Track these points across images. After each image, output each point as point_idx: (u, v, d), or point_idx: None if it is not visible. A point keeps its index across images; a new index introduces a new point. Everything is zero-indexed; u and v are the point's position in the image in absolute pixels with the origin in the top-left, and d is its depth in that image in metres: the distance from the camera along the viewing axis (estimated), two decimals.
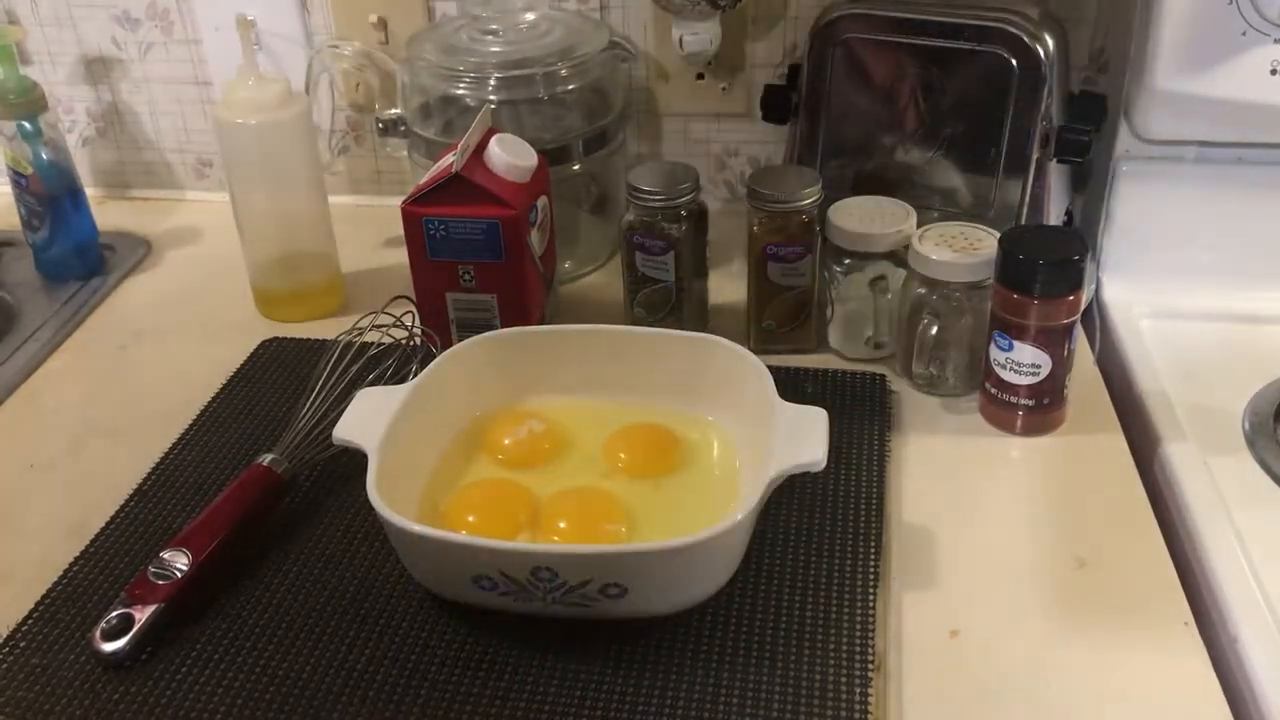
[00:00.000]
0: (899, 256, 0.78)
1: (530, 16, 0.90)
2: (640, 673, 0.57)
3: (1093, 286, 0.88)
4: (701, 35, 0.87)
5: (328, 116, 0.98)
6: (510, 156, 0.77)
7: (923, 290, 0.76)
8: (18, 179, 0.94)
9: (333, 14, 1.00)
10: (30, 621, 0.62)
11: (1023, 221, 0.84)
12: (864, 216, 0.79)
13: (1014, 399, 0.73)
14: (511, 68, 0.86)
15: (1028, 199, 0.83)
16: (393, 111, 0.91)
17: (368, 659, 0.59)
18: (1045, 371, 0.72)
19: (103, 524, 0.68)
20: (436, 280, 0.79)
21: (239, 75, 0.83)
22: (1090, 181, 0.93)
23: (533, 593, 0.56)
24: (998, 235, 0.72)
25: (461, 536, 0.59)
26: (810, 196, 0.78)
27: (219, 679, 0.58)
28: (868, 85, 0.85)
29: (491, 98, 0.86)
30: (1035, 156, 0.82)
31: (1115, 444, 0.73)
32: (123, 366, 0.87)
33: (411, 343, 0.79)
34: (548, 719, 0.55)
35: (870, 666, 0.57)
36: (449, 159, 0.77)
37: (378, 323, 0.78)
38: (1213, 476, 0.69)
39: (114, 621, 0.60)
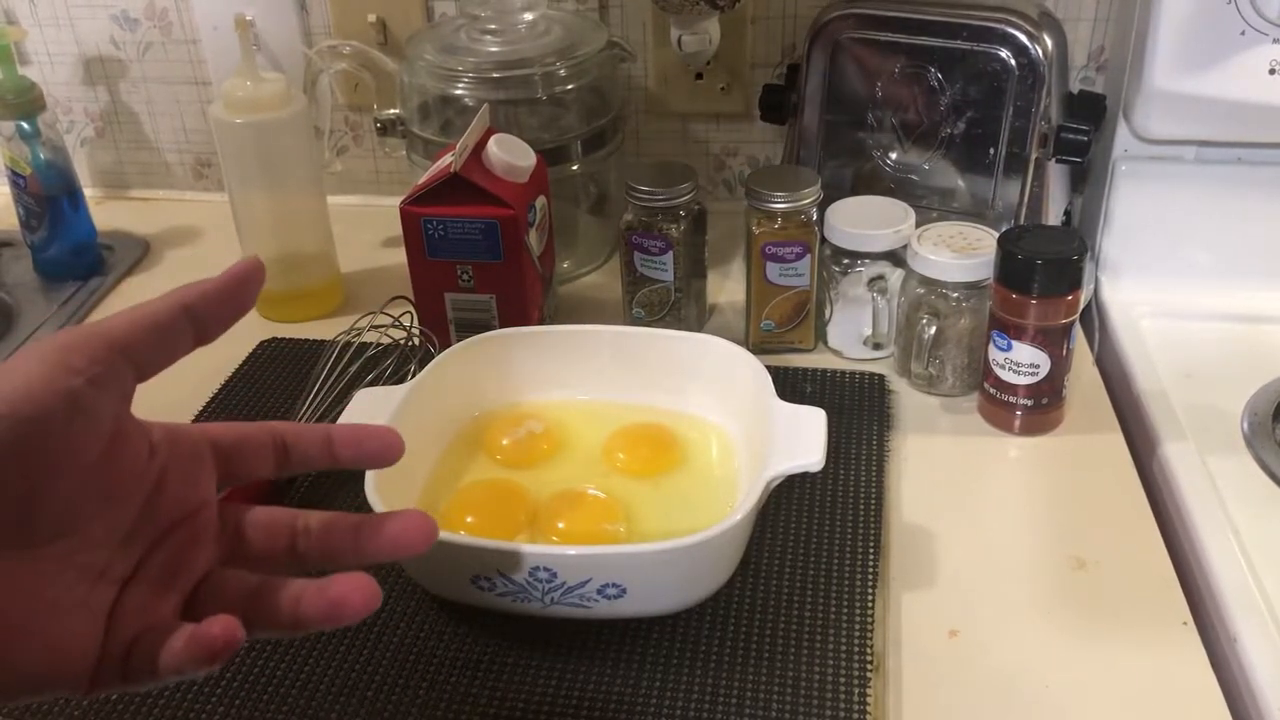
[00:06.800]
0: (898, 256, 0.78)
1: (529, 16, 0.90)
2: (639, 673, 0.57)
3: (1091, 286, 0.88)
4: (700, 35, 0.87)
5: (326, 116, 0.98)
6: (509, 156, 0.77)
7: (921, 290, 0.76)
8: (16, 179, 0.94)
9: (331, 14, 1.00)
10: None
11: (1021, 221, 0.84)
12: (863, 216, 0.79)
13: (1013, 399, 0.73)
14: (510, 68, 0.86)
15: (1026, 199, 0.83)
16: (391, 111, 0.91)
17: (366, 659, 0.59)
18: (1044, 371, 0.72)
19: None
20: (435, 280, 0.79)
21: (237, 75, 0.83)
22: (1089, 181, 0.93)
23: (531, 593, 0.56)
24: (996, 235, 0.72)
25: (460, 537, 0.59)
26: (809, 196, 0.78)
27: (217, 679, 0.58)
28: (866, 85, 0.85)
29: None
30: (1034, 156, 0.82)
31: (1114, 444, 0.73)
32: None
33: (410, 343, 0.79)
34: (547, 719, 0.55)
35: (869, 666, 0.57)
36: (447, 159, 0.77)
37: (376, 323, 0.78)
38: (1211, 476, 0.69)
39: None
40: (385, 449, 0.45)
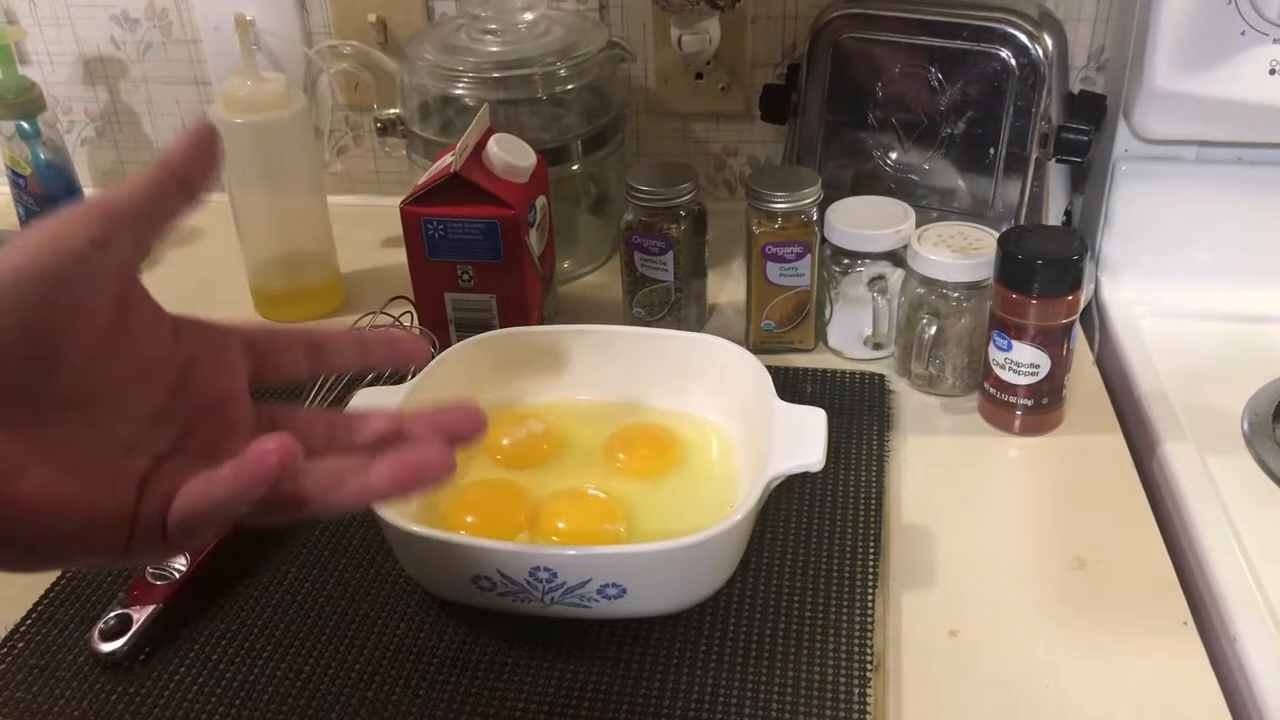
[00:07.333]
0: (898, 256, 0.78)
1: (529, 16, 0.90)
2: (639, 673, 0.57)
3: (1092, 286, 0.88)
4: (700, 35, 0.87)
5: (326, 116, 0.98)
6: (509, 156, 0.77)
7: (921, 290, 0.76)
8: (16, 179, 0.94)
9: (331, 13, 1.00)
10: (29, 622, 0.62)
11: (1022, 221, 0.84)
12: (863, 216, 0.79)
13: (1013, 399, 0.73)
14: (510, 67, 0.86)
15: (1027, 199, 0.83)
16: (391, 111, 0.91)
17: (366, 659, 0.59)
18: (1044, 371, 0.72)
19: None
20: (435, 280, 0.79)
21: (237, 75, 0.83)
22: (1089, 181, 0.93)
23: (531, 593, 0.56)
24: (996, 235, 0.72)
25: (460, 537, 0.59)
26: (809, 196, 0.78)
27: (217, 679, 0.58)
28: (867, 85, 0.85)
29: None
30: (1034, 156, 0.82)
31: (1114, 444, 0.73)
32: None
33: None
34: (547, 719, 0.55)
35: (869, 666, 0.57)
36: (447, 159, 0.77)
37: (376, 323, 0.78)
38: (1211, 476, 0.69)
39: (112, 622, 0.60)
40: (413, 350, 0.49)
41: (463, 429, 0.45)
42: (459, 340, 0.72)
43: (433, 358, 0.69)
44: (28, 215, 0.96)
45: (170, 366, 0.42)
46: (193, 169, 0.43)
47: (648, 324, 0.84)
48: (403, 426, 0.45)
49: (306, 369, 0.47)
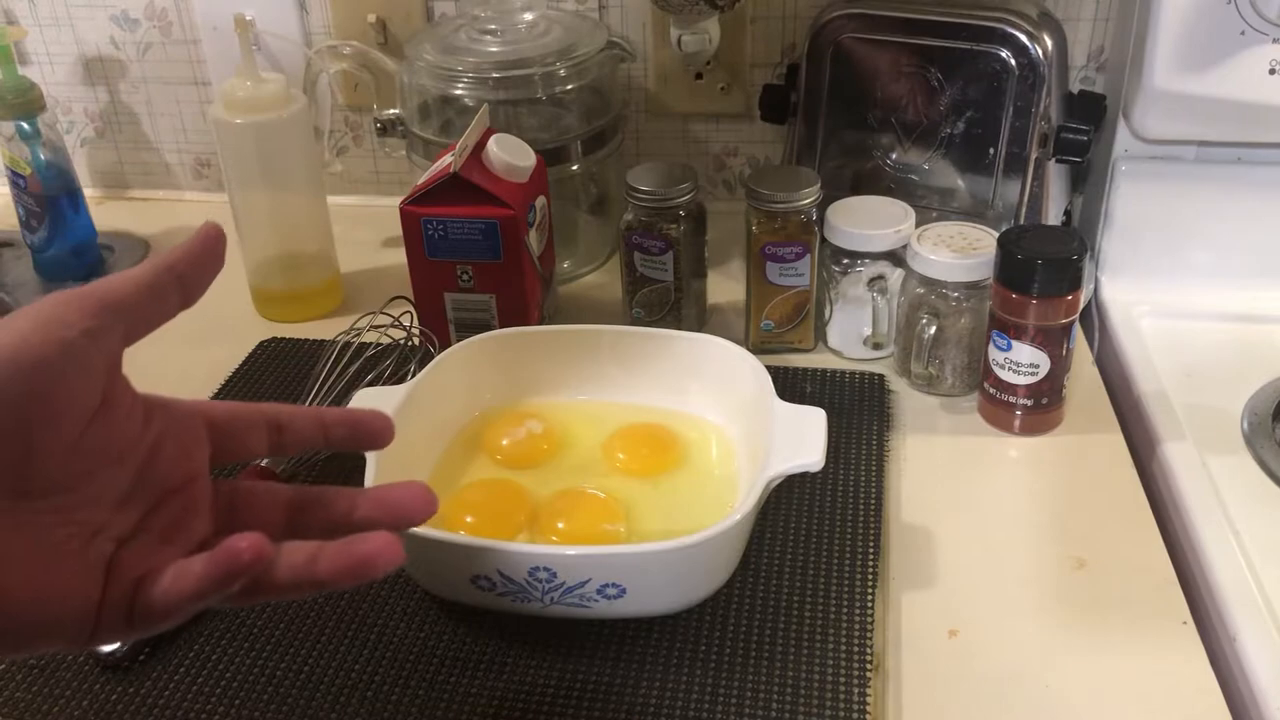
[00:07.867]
0: (897, 256, 0.78)
1: (529, 16, 0.90)
2: (639, 673, 0.57)
3: (1091, 286, 0.88)
4: (700, 35, 0.87)
5: (326, 116, 0.98)
6: (508, 156, 0.77)
7: (921, 290, 0.76)
8: (16, 179, 0.94)
9: (331, 14, 1.00)
10: None
11: (1021, 221, 0.84)
12: (863, 216, 0.79)
13: (1012, 399, 0.73)
14: (510, 68, 0.86)
15: (1026, 199, 0.83)
16: (391, 111, 0.91)
17: (366, 659, 0.59)
18: (1044, 371, 0.72)
19: None
20: (435, 280, 0.79)
21: (237, 75, 0.83)
22: (1089, 181, 0.93)
23: (531, 593, 0.56)
24: (996, 235, 0.72)
25: (460, 537, 0.59)
26: (809, 196, 0.78)
27: (217, 679, 0.58)
28: (866, 85, 0.85)
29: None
30: (1034, 156, 0.82)
31: (1114, 443, 0.73)
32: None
33: (410, 343, 0.79)
34: (546, 719, 0.55)
35: (869, 666, 0.57)
36: (447, 159, 0.77)
37: (376, 323, 0.78)
38: (1211, 476, 0.69)
39: None
40: (377, 431, 0.47)
41: (411, 511, 0.44)
42: (459, 340, 0.72)
43: (432, 357, 0.69)
44: (27, 215, 0.96)
45: (140, 450, 0.41)
46: (196, 272, 0.43)
47: (648, 324, 0.84)
48: (354, 507, 0.44)
49: (267, 448, 0.46)
